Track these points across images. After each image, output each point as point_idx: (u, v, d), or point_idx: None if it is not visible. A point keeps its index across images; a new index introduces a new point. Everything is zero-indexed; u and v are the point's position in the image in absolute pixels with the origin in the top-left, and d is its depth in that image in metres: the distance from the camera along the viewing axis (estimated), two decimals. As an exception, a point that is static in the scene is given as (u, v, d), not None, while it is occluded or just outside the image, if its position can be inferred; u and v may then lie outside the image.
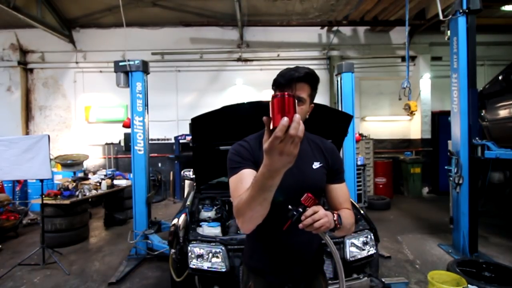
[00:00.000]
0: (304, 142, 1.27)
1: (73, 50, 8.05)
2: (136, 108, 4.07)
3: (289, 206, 1.01)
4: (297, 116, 0.73)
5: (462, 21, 3.86)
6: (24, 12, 6.22)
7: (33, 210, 6.13)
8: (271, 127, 0.75)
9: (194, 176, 3.69)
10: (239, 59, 8.14)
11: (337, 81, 4.48)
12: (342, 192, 1.31)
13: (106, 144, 8.00)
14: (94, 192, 5.00)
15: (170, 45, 7.94)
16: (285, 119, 0.72)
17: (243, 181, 1.07)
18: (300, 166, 1.20)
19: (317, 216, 0.97)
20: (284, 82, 1.15)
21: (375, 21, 7.37)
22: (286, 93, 0.75)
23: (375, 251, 2.43)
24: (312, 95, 1.22)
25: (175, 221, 2.66)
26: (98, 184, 5.28)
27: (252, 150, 1.19)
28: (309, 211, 0.98)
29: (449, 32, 4.07)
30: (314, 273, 1.34)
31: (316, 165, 1.26)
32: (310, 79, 1.18)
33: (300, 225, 0.97)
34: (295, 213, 1.00)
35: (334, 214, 1.07)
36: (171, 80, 8.10)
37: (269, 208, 0.96)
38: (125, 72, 4.03)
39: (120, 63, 4.02)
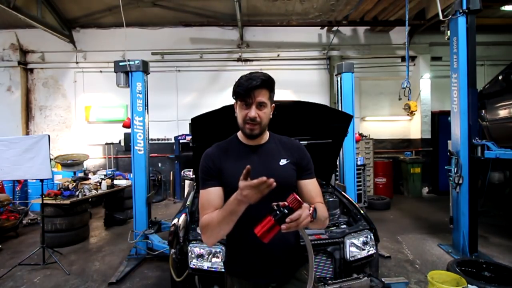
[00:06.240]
0: (271, 142, 1.39)
1: (73, 50, 8.05)
2: (136, 108, 4.07)
3: (273, 204, 1.02)
4: (271, 181, 0.98)
5: (462, 21, 3.86)
6: (24, 12, 6.22)
7: (33, 210, 6.13)
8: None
9: (194, 176, 3.70)
10: (239, 59, 8.14)
11: (337, 81, 4.49)
12: (313, 186, 1.37)
13: (106, 144, 8.00)
14: (94, 192, 5.00)
15: (170, 45, 7.94)
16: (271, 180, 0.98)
17: (210, 201, 1.25)
18: (267, 164, 1.31)
19: (301, 219, 1.00)
20: (244, 92, 1.23)
21: (375, 21, 7.37)
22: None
23: (375, 251, 2.43)
24: (271, 96, 1.31)
25: (175, 221, 2.66)
26: (98, 184, 5.28)
27: (215, 164, 1.31)
28: (295, 215, 0.99)
29: (449, 32, 4.07)
30: (296, 268, 1.35)
31: (283, 162, 1.33)
32: (266, 84, 1.25)
33: (283, 226, 0.98)
34: (278, 213, 0.99)
35: (311, 208, 1.08)
36: (171, 80, 8.10)
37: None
38: (125, 72, 4.03)
39: (120, 63, 4.02)
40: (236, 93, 1.27)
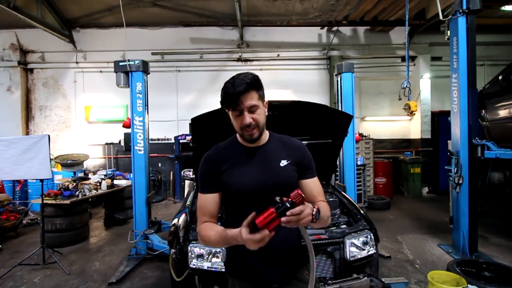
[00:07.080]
0: (271, 142, 1.36)
1: (73, 50, 8.05)
2: (136, 108, 4.07)
3: (277, 198, 1.02)
4: (266, 233, 0.98)
5: (462, 21, 3.86)
6: (24, 12, 6.22)
7: (33, 210, 6.13)
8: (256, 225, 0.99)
9: (194, 176, 3.70)
10: (239, 59, 8.14)
11: (337, 81, 4.49)
12: (314, 185, 1.36)
13: (106, 144, 8.00)
14: (94, 192, 5.00)
15: (170, 45, 7.94)
16: (258, 236, 0.98)
17: (207, 207, 1.31)
18: (268, 165, 1.30)
19: (302, 215, 1.00)
20: (231, 101, 1.21)
21: (375, 21, 7.37)
22: (277, 214, 0.99)
23: (375, 251, 2.43)
24: (261, 95, 1.27)
25: (175, 221, 2.66)
26: (98, 184, 5.28)
27: (214, 171, 1.31)
28: (297, 209, 0.99)
29: (449, 32, 4.07)
30: (298, 269, 1.35)
31: (283, 162, 1.31)
32: (252, 86, 1.21)
33: (283, 219, 0.98)
34: (280, 205, 1.00)
35: (314, 208, 1.08)
36: (171, 80, 8.10)
37: (241, 212, 1.12)
38: (125, 72, 4.03)
39: (120, 63, 4.02)
40: (224, 104, 1.24)
